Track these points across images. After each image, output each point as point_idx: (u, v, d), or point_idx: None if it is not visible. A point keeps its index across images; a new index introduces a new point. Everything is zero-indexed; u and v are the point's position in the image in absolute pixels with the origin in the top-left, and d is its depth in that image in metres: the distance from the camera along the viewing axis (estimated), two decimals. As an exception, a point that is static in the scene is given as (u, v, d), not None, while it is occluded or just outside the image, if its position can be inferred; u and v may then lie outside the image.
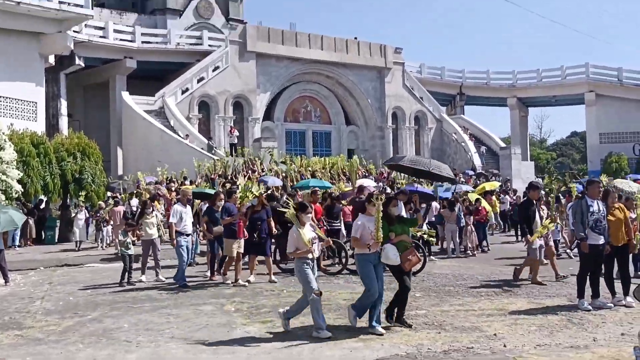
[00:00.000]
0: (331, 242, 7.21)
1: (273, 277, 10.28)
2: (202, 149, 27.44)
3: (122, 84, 33.20)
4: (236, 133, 30.61)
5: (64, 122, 30.58)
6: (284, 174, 23.81)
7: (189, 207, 10.66)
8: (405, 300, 6.82)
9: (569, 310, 7.51)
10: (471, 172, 31.55)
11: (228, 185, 16.44)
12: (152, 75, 35.77)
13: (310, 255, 6.47)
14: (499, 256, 13.85)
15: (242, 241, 10.08)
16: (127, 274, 10.58)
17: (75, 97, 35.16)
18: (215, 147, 28.20)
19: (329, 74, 37.77)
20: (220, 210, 10.36)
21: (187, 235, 10.32)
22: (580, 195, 10.78)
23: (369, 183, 18.34)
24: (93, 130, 29.80)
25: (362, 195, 12.89)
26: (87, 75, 34.13)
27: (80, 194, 18.19)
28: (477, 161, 36.76)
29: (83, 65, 31.21)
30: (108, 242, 17.14)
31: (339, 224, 12.62)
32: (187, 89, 32.30)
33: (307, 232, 6.60)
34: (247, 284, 9.92)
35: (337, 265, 11.59)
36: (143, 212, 11.06)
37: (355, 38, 38.88)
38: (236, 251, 9.96)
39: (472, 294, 8.92)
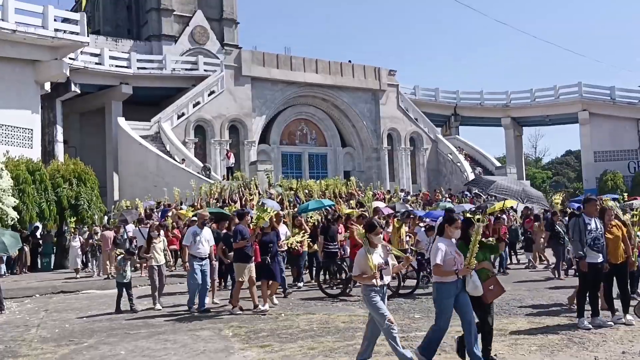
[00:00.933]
0: (411, 259, 6.35)
1: (275, 300, 10.12)
2: (198, 173, 27.45)
3: (117, 109, 33.31)
4: (232, 159, 30.56)
5: (59, 148, 30.59)
6: (279, 197, 23.78)
7: (206, 229, 10.18)
8: (489, 335, 6.04)
9: (570, 330, 7.47)
10: (467, 193, 31.58)
11: (234, 207, 16.51)
12: (148, 101, 35.92)
13: (377, 282, 5.82)
14: (515, 279, 13.63)
15: (253, 265, 9.65)
16: (129, 301, 10.33)
17: (71, 124, 35.27)
18: (210, 171, 28.16)
19: (324, 96, 38.05)
20: (234, 232, 9.92)
21: (202, 259, 9.88)
22: (576, 213, 10.76)
23: (382, 205, 18.49)
24: (89, 156, 29.83)
25: (376, 218, 12.97)
26: (83, 102, 34.26)
27: (70, 220, 18.08)
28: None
29: (79, 91, 31.36)
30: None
31: (335, 246, 12.58)
32: (183, 114, 32.44)
33: (376, 256, 5.88)
34: (267, 308, 9.53)
35: (334, 288, 11.52)
36: (150, 238, 10.78)
37: (350, 61, 39.25)
38: (248, 276, 9.50)
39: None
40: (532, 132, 68.70)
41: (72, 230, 17.73)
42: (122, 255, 10.69)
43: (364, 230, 6.01)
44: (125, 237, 16.52)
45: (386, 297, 5.96)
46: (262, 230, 9.91)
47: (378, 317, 5.77)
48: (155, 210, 21.54)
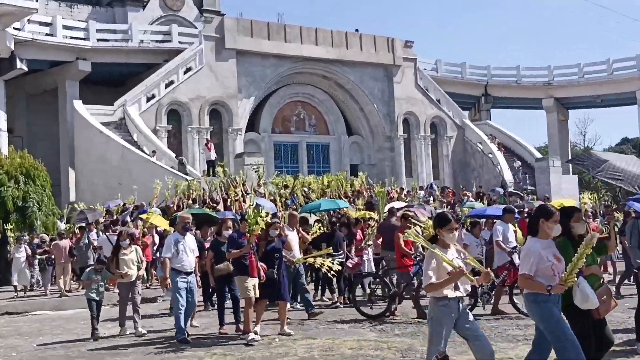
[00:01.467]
0: (491, 274, 5.88)
1: (286, 328, 9.74)
2: (172, 167, 27.48)
3: (73, 90, 33.28)
4: (213, 152, 30.45)
5: (3, 138, 30.60)
6: (271, 197, 23.82)
7: (189, 236, 9.95)
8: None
9: (627, 356, 7.47)
10: (501, 190, 31.60)
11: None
12: (111, 80, 35.87)
13: (452, 294, 5.43)
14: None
15: (257, 280, 9.52)
16: (95, 322, 10.28)
17: (17, 108, 35.23)
18: (186, 166, 28.15)
19: (325, 74, 38.01)
20: (228, 240, 9.88)
21: (187, 273, 9.64)
22: (635, 214, 10.75)
23: (399, 205, 18.52)
24: (39, 148, 29.82)
25: (392, 219, 13.02)
26: (31, 82, 34.23)
27: (7, 226, 17.95)
28: (508, 176, 36.80)
29: (26, 69, 31.34)
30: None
31: (341, 255, 12.57)
32: (153, 96, 32.43)
33: (454, 258, 5.52)
34: (259, 337, 9.34)
35: (372, 307, 11.29)
36: (118, 246, 10.59)
37: (357, 30, 39.22)
38: (253, 292, 9.32)
39: (507, 339, 8.90)
40: (580, 115, 68.43)
41: (14, 239, 17.36)
42: (91, 267, 10.61)
43: (432, 226, 5.79)
44: (87, 242, 16.47)
45: (467, 313, 5.62)
46: (266, 236, 9.74)
47: (433, 342, 5.47)
48: (122, 213, 21.53)
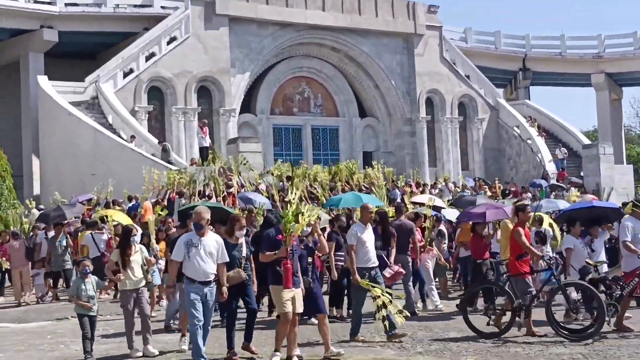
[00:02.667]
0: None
1: (333, 348, 9.46)
2: (152, 155, 27.51)
3: (37, 64, 33.32)
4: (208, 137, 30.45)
5: (-45, 120, 30.77)
6: (271, 190, 23.87)
7: (210, 235, 9.38)
8: None
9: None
10: (543, 183, 31.53)
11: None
12: (81, 53, 35.88)
13: None
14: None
15: (298, 292, 9.25)
16: (85, 342, 9.83)
17: (-29, 85, 35.34)
18: (170, 153, 28.14)
19: (334, 45, 37.94)
20: (254, 240, 9.51)
21: (202, 283, 9.13)
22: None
23: (425, 199, 18.53)
24: (-3, 131, 29.95)
25: (401, 218, 13.06)
26: (-12, 54, 34.33)
27: None
28: (551, 166, 36.71)
29: (-18, 39, 31.44)
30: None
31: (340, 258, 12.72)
32: (131, 71, 32.43)
33: None
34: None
35: (490, 323, 10.81)
36: (125, 245, 10.27)
37: (372, -8, 39.08)
38: (292, 304, 9.08)
39: (549, 357, 8.99)
40: (635, 94, 68.35)
41: None
42: (80, 273, 10.22)
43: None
44: (64, 244, 16.45)
45: None
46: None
47: None
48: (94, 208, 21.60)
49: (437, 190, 27.77)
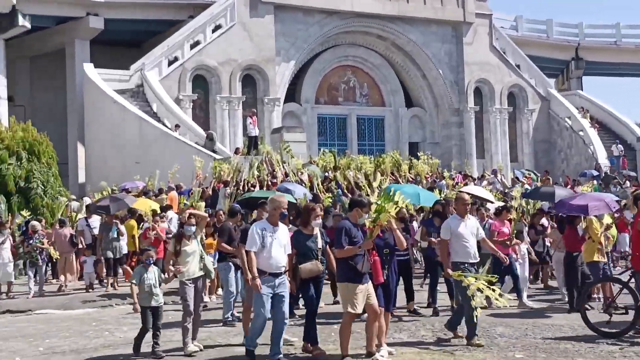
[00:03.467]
0: None
1: (386, 346, 9.03)
2: (196, 143, 27.67)
3: (83, 52, 33.72)
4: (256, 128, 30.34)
5: (2, 108, 31.23)
6: (316, 180, 23.85)
7: (282, 226, 9.10)
8: None
9: None
10: (595, 173, 31.10)
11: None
12: (127, 40, 36.22)
13: None
14: None
15: (370, 287, 8.71)
16: (154, 338, 9.48)
17: (19, 73, 35.89)
18: (215, 142, 28.28)
19: (381, 33, 37.75)
20: (337, 232, 8.76)
21: (274, 275, 8.74)
22: None
23: (477, 190, 18.26)
24: (43, 119, 30.41)
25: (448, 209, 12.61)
26: (35, 42, 34.82)
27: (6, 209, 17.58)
28: (603, 158, 36.13)
29: (29, 26, 31.78)
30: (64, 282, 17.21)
31: (406, 255, 12.19)
32: (175, 59, 32.68)
33: None
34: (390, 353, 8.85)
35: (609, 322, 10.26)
36: (181, 235, 9.97)
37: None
38: (364, 302, 8.57)
39: (599, 355, 8.83)
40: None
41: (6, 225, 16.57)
42: (143, 262, 9.90)
43: None
44: (115, 234, 16.29)
45: None
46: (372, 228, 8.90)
47: None
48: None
49: (484, 182, 27.49)
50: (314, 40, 35.94)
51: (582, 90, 45.44)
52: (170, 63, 32.58)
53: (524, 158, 40.43)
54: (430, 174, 27.87)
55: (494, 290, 9.23)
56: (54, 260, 17.14)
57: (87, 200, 22.36)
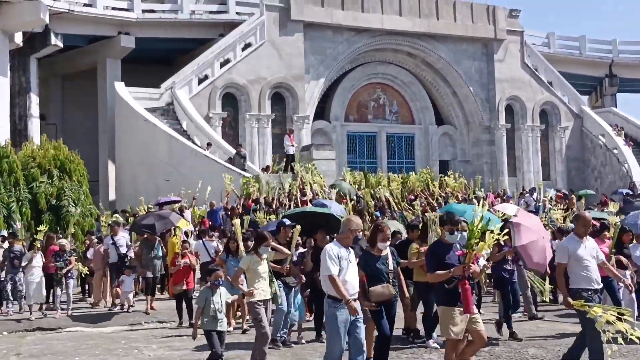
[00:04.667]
0: None
1: None
2: (227, 161, 27.79)
3: (114, 70, 34.21)
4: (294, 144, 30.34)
5: (34, 126, 31.67)
6: (351, 199, 23.85)
7: (351, 250, 8.29)
8: None
9: None
10: (628, 192, 30.75)
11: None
12: (157, 59, 36.60)
13: None
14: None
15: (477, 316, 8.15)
16: None
17: (51, 91, 36.47)
18: (246, 159, 28.43)
19: (411, 50, 37.79)
20: (429, 253, 8.45)
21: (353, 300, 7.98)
22: None
23: (510, 209, 17.91)
24: (75, 137, 30.73)
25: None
26: (67, 60, 35.39)
27: (40, 227, 17.06)
28: (638, 176, 35.74)
29: (61, 45, 32.33)
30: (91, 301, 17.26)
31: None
32: (206, 77, 32.96)
33: None
34: None
35: None
36: (258, 246, 9.59)
37: (450, -4, 38.83)
38: (462, 328, 8.04)
39: None
40: None
41: (36, 243, 15.92)
42: (206, 285, 9.45)
43: None
44: (158, 253, 15.87)
45: None
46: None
47: None
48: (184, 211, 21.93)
49: (522, 202, 27.33)
50: (343, 58, 36.06)
51: (616, 107, 45.21)
52: (200, 81, 32.87)
53: (556, 176, 40.12)
54: (461, 191, 27.80)
55: (627, 322, 7.99)
56: (83, 276, 17.22)
57: (118, 217, 22.55)
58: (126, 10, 34.20)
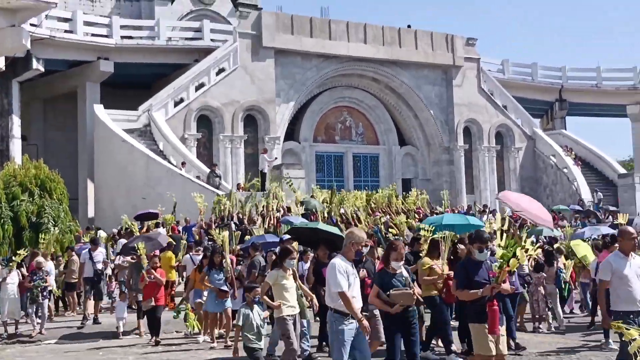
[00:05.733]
0: None
1: None
2: (201, 180, 27.61)
3: (94, 94, 33.89)
4: (274, 157, 30.36)
5: (16, 146, 31.26)
6: (320, 214, 23.77)
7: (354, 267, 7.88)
8: None
9: None
10: (577, 208, 31.13)
11: None
12: (135, 83, 36.36)
13: None
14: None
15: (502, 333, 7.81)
16: None
17: (32, 114, 36.02)
18: (220, 178, 28.31)
19: (375, 76, 37.99)
20: (459, 270, 8.01)
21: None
22: None
23: None
24: (55, 157, 30.31)
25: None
26: (48, 84, 35.04)
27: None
28: (586, 193, 36.19)
29: (42, 69, 32.01)
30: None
31: None
32: (181, 100, 32.82)
33: None
34: None
35: None
36: (284, 259, 9.20)
37: (409, 26, 39.09)
38: (493, 345, 7.67)
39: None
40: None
41: (13, 260, 15.42)
42: (250, 301, 8.96)
43: None
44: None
45: None
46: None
47: None
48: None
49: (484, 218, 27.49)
50: (311, 82, 36.16)
51: (565, 129, 45.63)
52: (176, 104, 32.72)
53: (511, 194, 40.40)
54: (420, 208, 27.86)
55: None
56: (56, 298, 16.83)
57: (102, 234, 22.22)
58: (105, 36, 33.99)
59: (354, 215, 24.83)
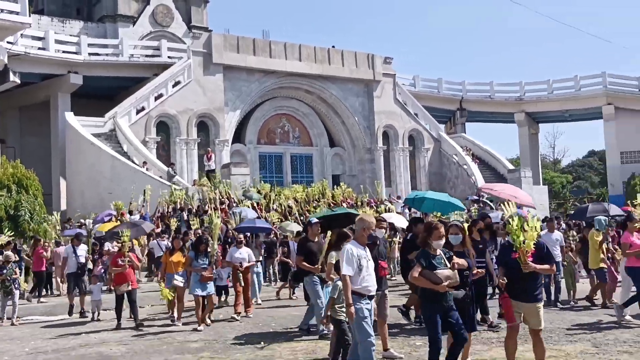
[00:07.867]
0: None
1: None
2: (160, 177, 27.28)
3: (65, 103, 33.06)
4: (213, 161, 30.35)
5: (-5, 149, 30.27)
6: (258, 206, 23.80)
7: (368, 251, 7.18)
8: None
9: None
10: (475, 198, 31.87)
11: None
12: (102, 93, 35.65)
13: None
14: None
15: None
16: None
17: (10, 120, 34.94)
18: (175, 174, 28.01)
19: (308, 88, 38.08)
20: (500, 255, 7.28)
21: (371, 297, 6.97)
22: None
23: (395, 218, 17.65)
24: (31, 158, 29.51)
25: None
26: (24, 94, 33.92)
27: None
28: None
29: (19, 82, 31.02)
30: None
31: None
32: (142, 108, 32.24)
33: None
34: None
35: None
36: (341, 242, 7.90)
37: (333, 47, 39.28)
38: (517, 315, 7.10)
39: (482, 341, 8.91)
40: (549, 129, 69.83)
41: None
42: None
43: None
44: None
45: None
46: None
47: None
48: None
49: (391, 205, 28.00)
50: (255, 94, 36.00)
51: (465, 133, 46.50)
52: (138, 112, 32.13)
53: (421, 187, 40.99)
54: (347, 199, 28.18)
55: None
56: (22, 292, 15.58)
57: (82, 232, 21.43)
58: (75, 53, 33.26)
59: (287, 206, 24.97)
